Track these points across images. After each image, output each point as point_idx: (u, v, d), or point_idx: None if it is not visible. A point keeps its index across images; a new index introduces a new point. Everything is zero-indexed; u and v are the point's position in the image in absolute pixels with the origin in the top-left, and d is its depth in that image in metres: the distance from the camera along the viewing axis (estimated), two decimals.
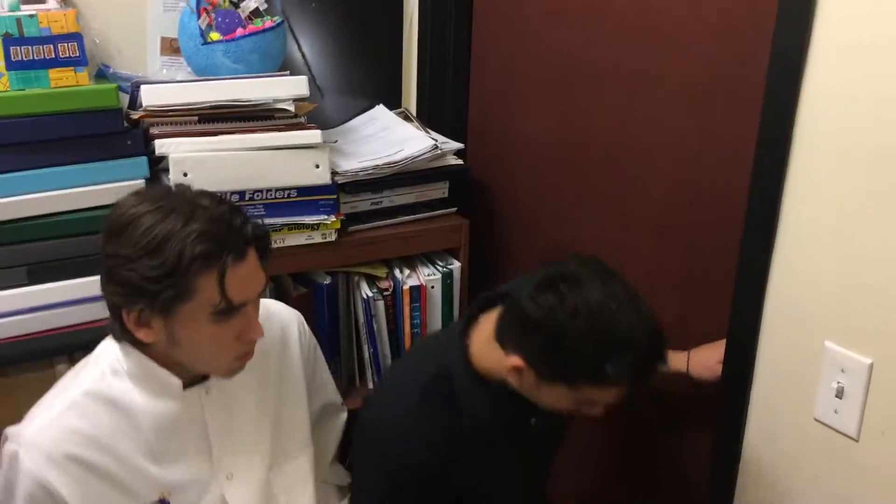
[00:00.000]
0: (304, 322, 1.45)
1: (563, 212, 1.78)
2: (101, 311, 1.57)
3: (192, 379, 1.25)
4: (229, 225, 1.12)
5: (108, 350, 1.23)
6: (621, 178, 1.64)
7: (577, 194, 1.73)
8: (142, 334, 1.15)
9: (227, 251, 1.10)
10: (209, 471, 1.27)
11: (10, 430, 1.20)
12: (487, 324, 1.34)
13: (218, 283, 1.10)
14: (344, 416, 1.56)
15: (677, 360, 1.50)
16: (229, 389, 1.29)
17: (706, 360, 1.45)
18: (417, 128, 1.89)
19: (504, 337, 1.28)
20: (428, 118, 2.00)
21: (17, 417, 1.27)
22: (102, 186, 1.56)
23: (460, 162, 1.87)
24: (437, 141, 1.81)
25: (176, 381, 1.21)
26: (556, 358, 1.20)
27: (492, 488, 1.42)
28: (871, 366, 1.16)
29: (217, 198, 1.16)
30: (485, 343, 1.33)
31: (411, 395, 1.35)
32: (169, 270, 1.08)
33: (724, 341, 1.44)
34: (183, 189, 1.18)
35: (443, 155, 1.83)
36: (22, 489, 1.15)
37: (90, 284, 1.56)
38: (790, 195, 1.22)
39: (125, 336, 1.19)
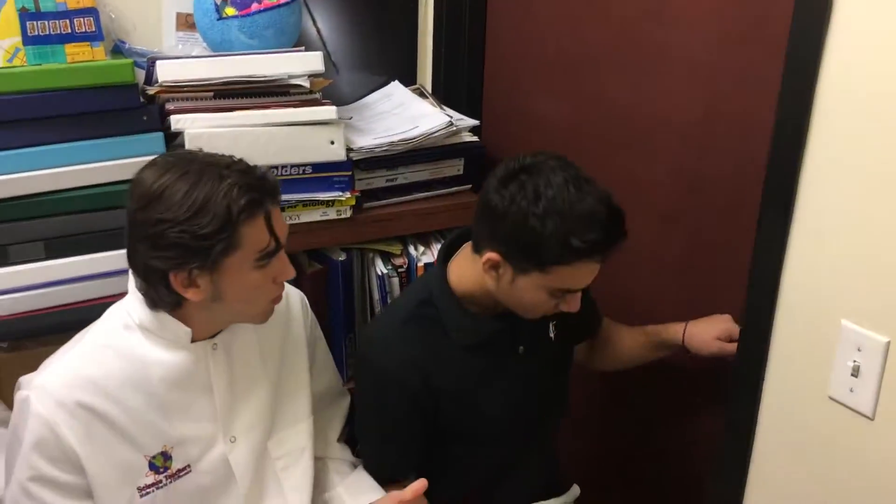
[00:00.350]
0: (307, 301, 1.49)
1: None
2: (117, 286, 1.60)
3: (201, 337, 1.29)
4: (256, 175, 1.20)
5: (119, 308, 1.28)
6: (633, 154, 1.63)
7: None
8: (190, 294, 1.19)
9: (266, 196, 1.19)
10: (213, 430, 1.31)
11: (24, 378, 1.25)
12: (467, 248, 1.42)
13: (266, 226, 1.19)
14: (347, 400, 1.58)
15: (674, 331, 1.53)
16: (234, 350, 1.32)
17: (702, 333, 1.50)
18: (432, 104, 1.88)
19: (478, 240, 1.36)
20: (443, 95, 1.99)
21: None
22: (119, 162, 1.57)
23: (475, 139, 1.87)
24: (452, 118, 1.80)
25: (185, 330, 1.25)
26: (526, 241, 1.27)
27: (478, 410, 1.47)
28: (888, 345, 1.15)
29: (227, 156, 1.22)
30: (466, 263, 1.41)
31: (395, 317, 1.47)
32: (220, 225, 1.14)
33: (722, 316, 1.46)
34: (194, 153, 1.23)
35: (458, 132, 1.82)
36: (30, 432, 1.18)
37: (107, 259, 1.58)
38: (808, 173, 1.21)
39: (168, 300, 1.21)
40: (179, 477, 1.29)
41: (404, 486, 1.47)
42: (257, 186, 1.17)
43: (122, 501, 1.24)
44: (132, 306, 1.26)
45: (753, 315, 1.32)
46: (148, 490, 1.26)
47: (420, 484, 1.30)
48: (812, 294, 1.24)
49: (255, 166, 1.22)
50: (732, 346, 1.45)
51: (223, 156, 1.22)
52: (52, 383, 1.21)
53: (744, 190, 1.44)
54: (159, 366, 1.24)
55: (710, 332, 1.48)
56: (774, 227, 1.26)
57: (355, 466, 1.53)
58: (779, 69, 1.19)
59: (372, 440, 1.52)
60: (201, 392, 1.29)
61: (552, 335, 1.53)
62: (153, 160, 1.21)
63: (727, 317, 1.50)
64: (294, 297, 1.46)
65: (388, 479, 1.51)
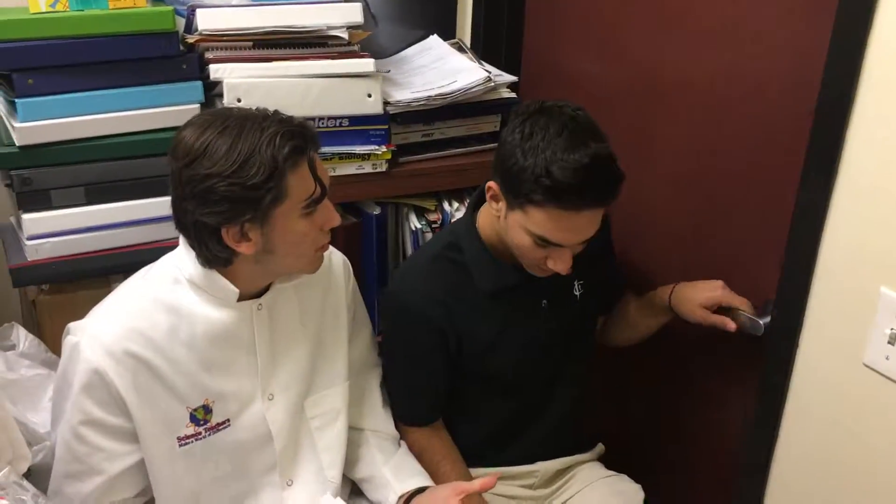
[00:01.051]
0: (350, 266, 1.49)
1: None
2: (155, 232, 1.62)
3: (246, 296, 1.30)
4: (295, 123, 1.20)
5: (170, 260, 1.30)
6: (657, 115, 1.61)
7: (642, 130, 1.70)
8: (242, 247, 1.20)
9: (308, 143, 1.20)
10: (252, 387, 1.33)
11: (73, 325, 1.27)
12: None
13: (311, 172, 1.20)
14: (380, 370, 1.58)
15: (662, 293, 1.53)
16: (278, 310, 1.34)
17: (688, 299, 1.49)
18: (471, 59, 1.86)
19: (493, 174, 1.38)
20: (482, 50, 1.97)
21: None
22: (157, 110, 1.58)
23: (513, 95, 1.85)
24: (490, 73, 1.79)
25: (233, 289, 1.26)
26: (510, 173, 1.30)
27: (496, 356, 1.49)
28: None
29: (262, 109, 1.23)
30: (491, 210, 1.42)
31: (422, 257, 1.52)
32: (268, 174, 1.15)
33: (713, 283, 1.47)
34: (232, 109, 1.23)
35: (496, 88, 1.80)
36: (80, 376, 1.22)
37: (145, 207, 1.60)
38: (853, 136, 1.18)
39: (221, 256, 1.22)
40: (218, 431, 1.31)
41: (428, 431, 1.52)
42: (298, 133, 1.18)
43: (164, 450, 1.27)
44: (183, 261, 1.27)
45: (790, 279, 1.31)
46: (187, 441, 1.29)
47: (490, 480, 1.32)
48: (851, 259, 1.22)
49: (292, 117, 1.22)
50: (715, 318, 1.44)
51: (258, 109, 1.22)
52: (101, 332, 1.23)
53: (763, 155, 1.43)
54: (204, 322, 1.26)
55: (695, 299, 1.46)
56: (816, 191, 1.24)
57: (398, 441, 1.53)
58: (809, 28, 1.16)
59: (398, 376, 1.54)
60: (243, 350, 1.31)
61: (577, 293, 1.53)
62: (190, 120, 1.22)
63: (718, 283, 1.47)
64: (337, 261, 1.46)
65: (414, 420, 1.54)
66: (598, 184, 1.26)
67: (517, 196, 1.31)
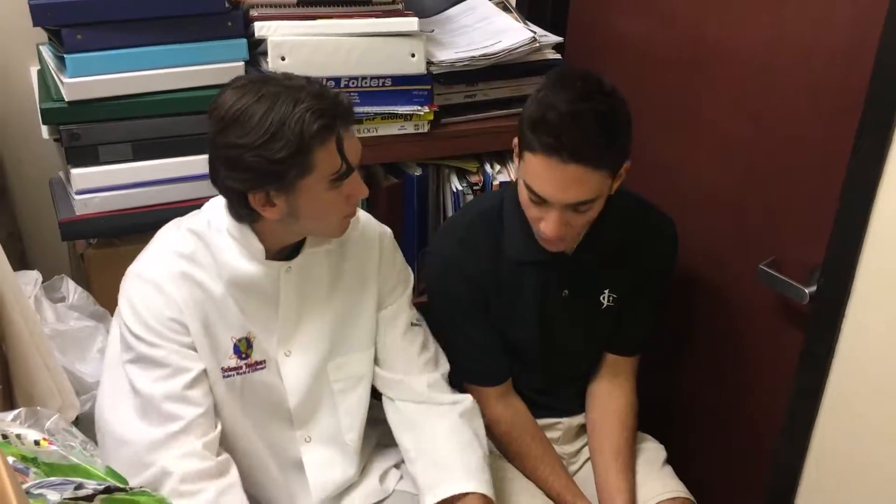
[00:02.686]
0: (392, 239, 1.48)
1: (663, 113, 1.72)
2: (201, 189, 1.63)
3: (278, 256, 1.33)
4: (329, 98, 1.20)
5: (214, 207, 1.33)
6: (701, 80, 1.58)
7: (689, 94, 1.68)
8: (267, 212, 1.23)
9: (338, 121, 1.20)
10: (271, 342, 1.35)
11: (129, 268, 1.33)
12: None
13: (338, 150, 1.20)
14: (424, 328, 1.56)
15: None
16: (307, 274, 1.36)
17: None
18: (516, 19, 1.84)
19: None
20: (527, 10, 1.95)
21: None
22: (202, 67, 1.59)
23: (558, 56, 1.82)
24: (535, 34, 1.76)
25: (260, 247, 1.29)
26: (520, 121, 1.32)
27: (511, 326, 1.52)
28: None
29: (304, 77, 1.23)
30: None
31: (461, 219, 1.54)
32: (293, 150, 1.16)
33: None
34: (272, 75, 1.24)
35: (541, 48, 1.78)
36: (137, 294, 1.27)
37: (192, 163, 1.62)
38: None
39: (248, 216, 1.26)
40: (256, 369, 1.34)
41: (510, 408, 1.55)
42: (330, 111, 1.18)
43: (214, 375, 1.31)
44: (222, 212, 1.30)
45: (839, 246, 1.29)
46: (230, 373, 1.32)
47: None
48: None
49: (328, 88, 1.23)
50: None
51: (298, 77, 1.23)
52: (155, 258, 1.30)
53: (811, 121, 1.40)
54: (234, 269, 1.30)
55: None
56: (869, 158, 1.21)
57: (442, 404, 1.47)
58: None
59: (455, 336, 1.53)
60: (267, 304, 1.34)
61: (604, 301, 1.53)
62: (230, 83, 1.23)
63: None
64: (371, 229, 1.45)
65: (486, 380, 1.55)
66: (581, 135, 1.25)
67: (521, 143, 1.33)
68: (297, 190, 1.21)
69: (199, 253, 1.30)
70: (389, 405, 1.48)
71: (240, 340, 1.32)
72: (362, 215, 1.46)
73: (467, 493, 1.34)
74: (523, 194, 1.35)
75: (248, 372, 1.34)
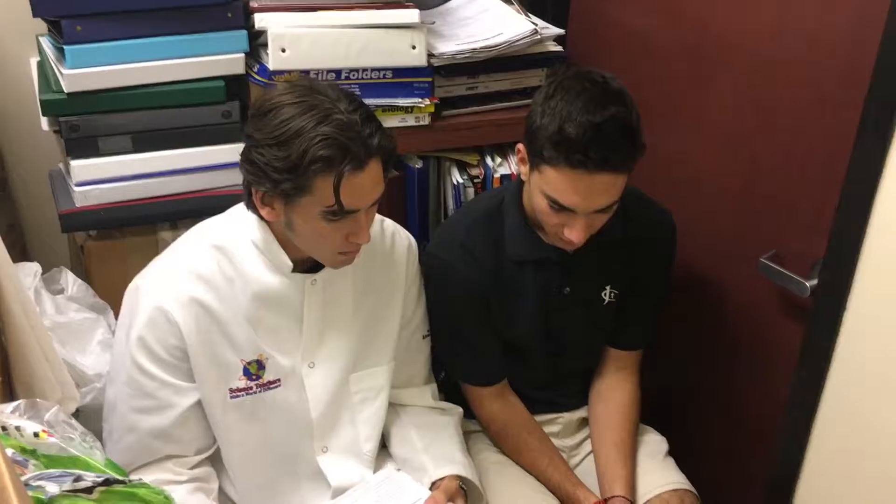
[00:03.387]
0: (416, 249, 1.48)
1: (666, 105, 1.72)
2: (203, 181, 1.64)
3: (304, 267, 1.32)
4: (358, 134, 1.16)
5: (243, 215, 1.30)
6: (704, 71, 1.58)
7: (692, 86, 1.67)
8: (265, 213, 1.23)
9: (347, 159, 1.15)
10: (294, 354, 1.34)
11: (136, 278, 1.31)
12: None
13: (333, 187, 1.16)
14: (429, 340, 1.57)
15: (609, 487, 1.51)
16: (332, 287, 1.35)
17: None
18: (518, 11, 1.83)
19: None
20: (529, 1, 1.94)
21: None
22: (202, 59, 1.59)
23: (560, 49, 1.82)
24: (537, 26, 1.76)
25: (287, 262, 1.29)
26: (529, 131, 1.32)
27: (512, 325, 1.51)
28: None
29: (356, 102, 1.20)
30: None
31: (461, 218, 1.53)
32: (290, 166, 1.15)
33: None
34: (326, 87, 1.21)
35: (542, 41, 1.77)
36: (143, 315, 1.25)
37: (192, 155, 1.62)
38: None
39: (253, 210, 1.27)
40: (269, 388, 1.33)
41: (504, 404, 1.56)
42: (345, 146, 1.14)
43: (218, 398, 1.30)
44: (251, 222, 1.28)
45: (841, 239, 1.28)
46: (238, 394, 1.31)
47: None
48: None
49: (370, 123, 1.18)
50: None
51: (353, 99, 1.20)
52: (165, 277, 1.28)
53: (814, 112, 1.39)
54: (258, 283, 1.28)
55: None
56: (871, 150, 1.20)
57: (439, 412, 1.54)
58: None
59: (451, 337, 1.54)
60: (291, 318, 1.33)
61: (605, 297, 1.53)
62: (290, 80, 1.26)
63: None
64: (401, 242, 1.45)
65: (480, 379, 1.55)
66: (607, 145, 1.24)
67: (535, 155, 1.31)
68: (295, 204, 1.19)
69: (217, 274, 1.27)
70: (392, 410, 1.49)
71: (250, 363, 1.31)
72: (389, 224, 1.45)
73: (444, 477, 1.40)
74: (542, 204, 1.33)
75: (259, 392, 1.33)
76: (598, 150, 1.24)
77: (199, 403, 1.30)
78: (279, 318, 1.32)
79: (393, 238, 1.44)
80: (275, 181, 1.16)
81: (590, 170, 1.25)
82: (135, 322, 1.26)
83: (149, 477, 1.20)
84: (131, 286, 1.30)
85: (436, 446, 1.45)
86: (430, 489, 1.39)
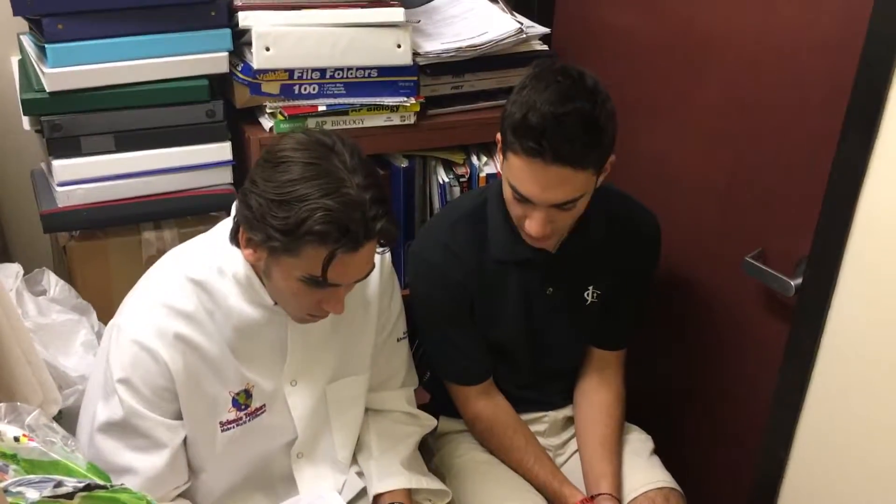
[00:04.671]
0: (389, 256, 1.45)
1: (651, 104, 1.72)
2: (187, 181, 1.63)
3: None
4: (363, 215, 1.12)
5: (219, 248, 1.26)
6: (690, 71, 1.58)
7: (677, 86, 1.67)
8: (246, 253, 1.21)
9: (344, 239, 1.12)
10: (277, 377, 1.34)
11: (114, 319, 1.28)
12: None
13: (323, 262, 1.13)
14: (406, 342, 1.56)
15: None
16: None
17: None
18: (503, 10, 1.83)
19: None
20: (514, 0, 1.93)
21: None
22: (185, 58, 1.57)
23: (545, 48, 1.82)
24: (522, 24, 1.75)
25: (269, 301, 1.26)
26: (502, 120, 1.31)
27: (495, 324, 1.51)
28: None
29: (371, 178, 1.15)
30: None
31: (446, 217, 1.53)
32: (286, 228, 1.11)
33: None
34: (347, 151, 1.16)
35: (528, 40, 1.77)
36: (125, 354, 1.21)
37: (176, 155, 1.60)
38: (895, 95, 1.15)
39: (236, 244, 1.23)
40: (257, 416, 1.33)
41: (490, 403, 1.55)
42: (346, 227, 1.11)
43: (207, 432, 1.29)
44: (233, 256, 1.25)
45: (825, 238, 1.29)
46: (229, 426, 1.30)
47: None
48: (889, 218, 1.20)
49: (379, 205, 1.14)
50: None
51: (367, 173, 1.15)
52: (146, 316, 1.23)
53: (798, 113, 1.40)
54: (237, 316, 1.26)
55: None
56: (855, 150, 1.21)
57: (411, 418, 1.53)
58: None
59: (435, 337, 1.55)
60: (274, 345, 1.32)
61: (587, 298, 1.53)
62: (309, 131, 1.20)
63: None
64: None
65: (465, 379, 1.55)
66: (563, 137, 1.23)
67: (503, 143, 1.31)
68: (277, 259, 1.16)
69: (199, 309, 1.24)
70: (364, 415, 1.48)
71: (238, 394, 1.30)
72: None
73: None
74: (507, 192, 1.34)
75: (248, 421, 1.32)
76: (553, 141, 1.23)
77: (182, 445, 1.28)
78: (262, 346, 1.31)
79: None
80: (266, 234, 1.13)
81: (545, 160, 1.24)
82: (118, 362, 1.22)
83: None
84: (112, 324, 1.27)
85: (387, 458, 1.45)
86: (374, 502, 1.41)
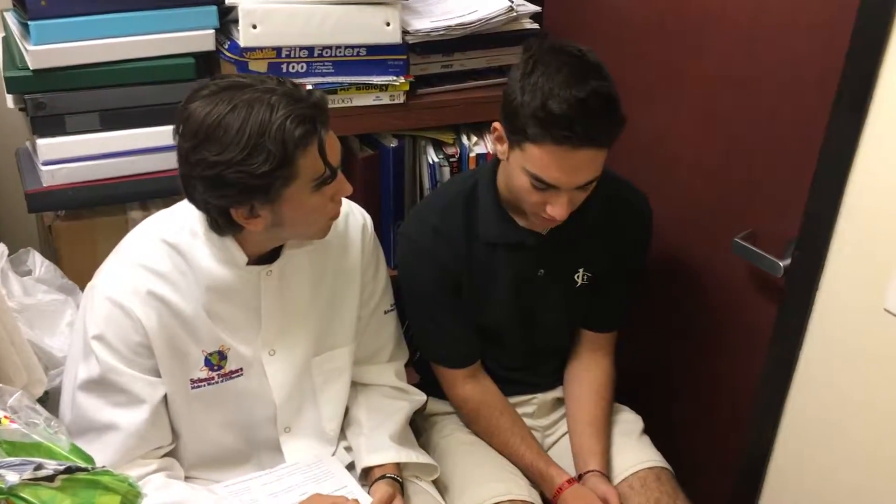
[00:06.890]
0: (372, 225, 1.46)
1: (645, 83, 1.71)
2: (173, 160, 1.59)
3: (258, 259, 1.29)
4: (304, 98, 1.15)
5: (187, 212, 1.26)
6: (684, 49, 1.56)
7: (670, 65, 1.66)
8: (251, 225, 1.20)
9: (318, 124, 1.15)
10: (254, 343, 1.33)
11: (94, 276, 1.28)
12: None
13: (320, 154, 1.16)
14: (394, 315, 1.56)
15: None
16: (288, 276, 1.33)
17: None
18: None
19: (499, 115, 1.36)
20: None
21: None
22: (172, 35, 1.56)
23: (536, 26, 1.80)
24: (512, 3, 1.73)
25: (241, 256, 1.26)
26: (508, 109, 1.29)
27: (485, 307, 1.51)
28: None
29: (275, 78, 1.17)
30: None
31: (436, 199, 1.53)
32: (278, 162, 1.11)
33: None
34: (240, 79, 1.17)
35: (518, 18, 1.75)
36: (99, 311, 1.23)
37: (161, 134, 1.59)
38: (886, 74, 1.14)
39: (230, 229, 1.22)
40: (231, 378, 1.33)
41: (478, 387, 1.55)
42: (309, 115, 1.13)
43: (180, 389, 1.29)
44: (199, 218, 1.25)
45: (813, 219, 1.28)
46: (199, 384, 1.30)
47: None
48: (878, 200, 1.19)
49: (302, 88, 1.17)
50: None
51: (269, 79, 1.16)
52: (122, 275, 1.25)
53: (791, 93, 1.39)
54: (210, 277, 1.26)
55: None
56: (845, 130, 1.20)
57: (401, 392, 1.53)
58: None
59: (423, 319, 1.54)
60: (248, 308, 1.31)
61: (578, 280, 1.52)
62: (199, 88, 1.16)
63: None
64: (355, 222, 1.42)
65: (453, 362, 1.55)
66: (591, 120, 1.23)
67: (516, 133, 1.29)
68: (282, 199, 1.16)
69: (172, 269, 1.25)
70: (353, 388, 1.48)
71: (211, 354, 1.30)
72: (344, 204, 1.41)
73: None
74: (524, 182, 1.32)
75: (221, 381, 1.32)
76: (582, 125, 1.23)
77: (165, 398, 1.29)
78: (236, 309, 1.30)
79: (347, 219, 1.41)
80: (264, 186, 1.13)
81: (574, 146, 1.24)
82: (93, 320, 1.23)
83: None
84: (88, 286, 1.27)
85: (377, 433, 1.44)
86: (364, 475, 1.41)
